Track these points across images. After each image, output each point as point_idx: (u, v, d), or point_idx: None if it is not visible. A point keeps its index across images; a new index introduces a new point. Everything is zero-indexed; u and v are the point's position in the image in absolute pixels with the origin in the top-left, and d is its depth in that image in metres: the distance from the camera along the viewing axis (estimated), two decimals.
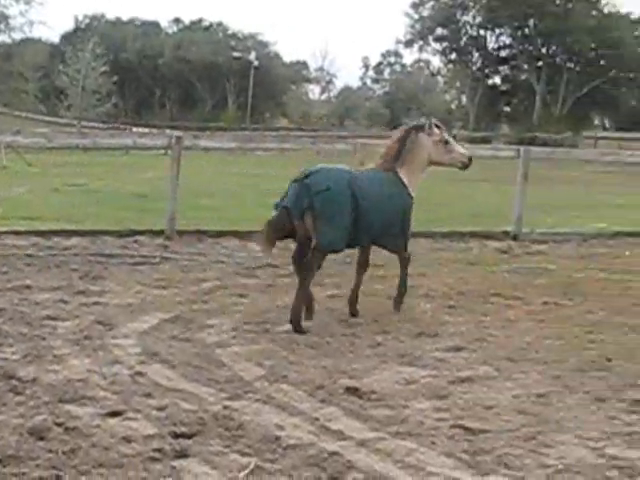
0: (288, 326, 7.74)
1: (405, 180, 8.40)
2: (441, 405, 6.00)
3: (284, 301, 8.58)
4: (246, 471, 4.70)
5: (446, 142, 8.65)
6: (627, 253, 13.18)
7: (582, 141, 48.56)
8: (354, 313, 8.38)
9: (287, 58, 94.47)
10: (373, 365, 6.87)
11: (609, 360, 7.10)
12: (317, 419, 5.57)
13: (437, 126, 8.68)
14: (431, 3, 66.13)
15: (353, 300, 8.45)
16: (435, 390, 6.26)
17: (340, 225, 7.87)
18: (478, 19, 63.60)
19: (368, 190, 8.02)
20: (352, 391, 6.14)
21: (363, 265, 8.55)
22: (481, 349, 7.44)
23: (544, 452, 5.22)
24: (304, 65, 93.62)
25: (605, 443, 5.41)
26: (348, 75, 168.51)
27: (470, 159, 8.72)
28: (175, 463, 4.75)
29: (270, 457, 4.90)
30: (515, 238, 13.25)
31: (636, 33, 61.11)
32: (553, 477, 4.87)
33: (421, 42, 67.56)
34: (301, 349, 7.22)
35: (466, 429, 5.59)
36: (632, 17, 61.49)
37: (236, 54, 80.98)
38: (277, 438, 5.15)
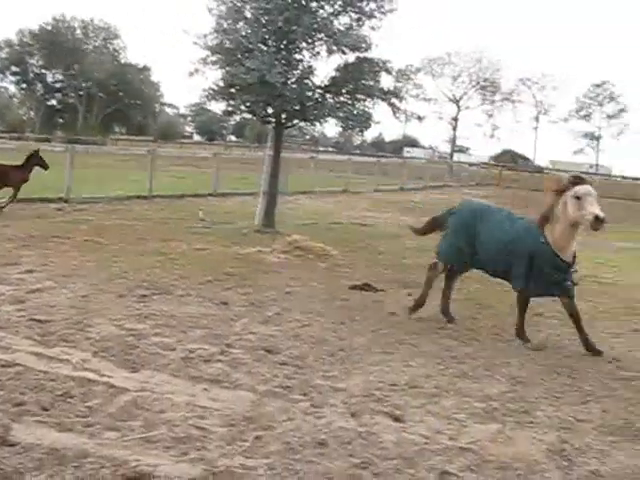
0: None
1: (548, 235, 8.67)
2: (20, 307, 8.39)
3: None
4: None
5: (577, 198, 8.35)
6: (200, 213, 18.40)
7: (108, 142, 68.40)
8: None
9: None
10: None
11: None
12: None
13: (578, 181, 8.46)
14: (7, 50, 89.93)
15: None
16: (16, 298, 8.76)
17: (451, 242, 9.39)
18: (41, 62, 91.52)
19: (489, 226, 9.08)
20: None
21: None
22: (46, 271, 10.52)
23: (88, 330, 7.66)
24: None
25: (125, 322, 8.11)
26: None
27: (597, 218, 8.11)
28: None
29: None
30: (67, 201, 19.29)
31: (141, 77, 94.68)
32: (95, 345, 7.15)
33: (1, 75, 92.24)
34: None
35: (38, 321, 7.89)
36: (138, 67, 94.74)
37: None
38: None
